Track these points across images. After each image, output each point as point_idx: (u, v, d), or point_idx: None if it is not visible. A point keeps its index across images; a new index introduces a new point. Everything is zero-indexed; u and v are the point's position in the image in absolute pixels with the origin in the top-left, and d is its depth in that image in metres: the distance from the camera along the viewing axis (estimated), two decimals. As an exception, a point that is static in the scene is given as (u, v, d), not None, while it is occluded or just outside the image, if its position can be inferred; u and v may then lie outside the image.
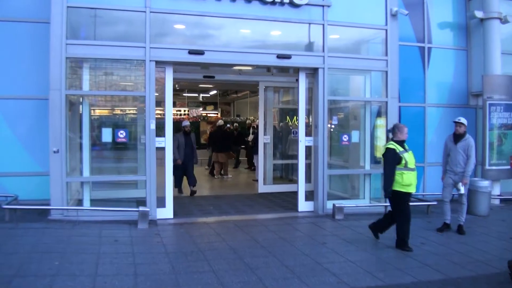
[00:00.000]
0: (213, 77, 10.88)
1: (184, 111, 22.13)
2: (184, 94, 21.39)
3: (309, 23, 8.80)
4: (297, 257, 6.12)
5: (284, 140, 12.34)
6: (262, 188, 11.33)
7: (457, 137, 7.83)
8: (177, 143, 10.50)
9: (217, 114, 23.02)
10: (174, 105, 22.66)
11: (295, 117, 12.54)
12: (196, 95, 22.61)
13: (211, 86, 18.50)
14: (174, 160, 9.61)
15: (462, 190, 7.73)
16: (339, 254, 6.31)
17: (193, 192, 10.83)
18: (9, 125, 8.58)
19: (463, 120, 7.84)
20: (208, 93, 22.10)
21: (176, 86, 16.41)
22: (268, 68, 11.24)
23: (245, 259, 5.96)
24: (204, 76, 10.83)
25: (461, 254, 6.51)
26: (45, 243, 6.43)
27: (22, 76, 8.58)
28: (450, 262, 6.11)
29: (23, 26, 8.52)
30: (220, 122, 15.14)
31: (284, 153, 12.26)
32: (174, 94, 20.71)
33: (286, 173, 12.55)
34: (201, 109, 22.93)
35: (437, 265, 5.95)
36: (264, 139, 11.40)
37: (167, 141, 8.22)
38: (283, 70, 11.05)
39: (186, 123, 11.28)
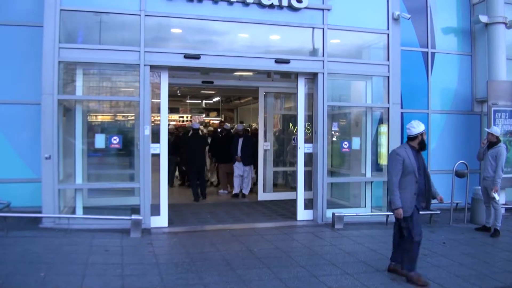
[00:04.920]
0: (212, 82, 10.69)
1: (187, 117, 21.97)
2: (187, 101, 21.19)
3: (309, 27, 8.57)
4: (292, 269, 5.87)
5: (284, 147, 12.12)
6: (261, 196, 11.09)
7: (491, 145, 8.27)
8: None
9: (220, 120, 22.81)
10: (177, 111, 22.58)
11: (290, 123, 12.34)
12: (199, 101, 22.41)
13: (213, 92, 18.28)
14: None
15: (496, 196, 8.05)
16: (336, 266, 6.05)
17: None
18: (2, 130, 8.42)
19: (492, 130, 8.29)
20: (211, 100, 21.89)
21: (178, 92, 16.26)
22: (268, 74, 11.06)
23: (237, 271, 5.72)
24: (203, 82, 10.64)
25: (464, 267, 6.24)
26: (34, 252, 6.21)
27: (17, 80, 8.44)
28: (453, 275, 5.84)
29: (18, 30, 8.38)
30: (196, 124, 12.18)
31: (285, 160, 12.03)
32: (176, 101, 20.73)
33: (287, 181, 12.31)
34: (203, 115, 22.74)
35: (439, 279, 5.69)
36: (264, 145, 11.18)
37: (162, 147, 8.01)
38: (284, 75, 10.84)
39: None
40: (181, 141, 12.21)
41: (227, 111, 24.40)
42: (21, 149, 8.49)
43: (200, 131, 11.87)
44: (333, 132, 9.31)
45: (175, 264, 5.96)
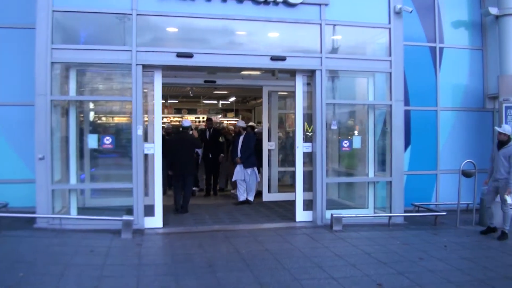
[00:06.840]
0: (214, 81, 10.55)
1: (203, 118, 21.96)
2: (203, 101, 21.17)
3: (306, 23, 8.32)
4: (275, 272, 5.66)
5: (290, 146, 11.88)
6: (266, 196, 10.88)
7: (501, 144, 7.81)
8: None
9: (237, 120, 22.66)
10: (195, 112, 22.57)
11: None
12: (216, 102, 22.35)
13: (226, 92, 18.15)
14: None
15: (509, 200, 7.62)
16: (323, 270, 5.81)
17: None
18: (1, 132, 8.51)
19: (503, 129, 7.77)
20: (228, 100, 21.78)
21: (190, 92, 16.19)
22: (272, 72, 10.83)
23: (218, 274, 5.55)
24: (205, 81, 10.51)
25: (460, 272, 5.90)
26: (20, 252, 6.21)
27: (16, 82, 8.49)
28: (446, 281, 5.50)
29: (12, 32, 8.45)
30: (186, 122, 9.89)
31: (290, 160, 11.77)
32: (193, 102, 20.60)
33: (293, 181, 12.03)
34: (220, 116, 22.66)
35: (430, 285, 5.39)
36: (269, 145, 10.96)
37: (156, 147, 7.93)
38: (290, 74, 10.56)
39: None
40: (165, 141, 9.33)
41: (245, 112, 24.24)
42: (20, 150, 8.54)
43: (190, 130, 9.91)
44: (333, 131, 8.99)
45: (156, 265, 5.86)
